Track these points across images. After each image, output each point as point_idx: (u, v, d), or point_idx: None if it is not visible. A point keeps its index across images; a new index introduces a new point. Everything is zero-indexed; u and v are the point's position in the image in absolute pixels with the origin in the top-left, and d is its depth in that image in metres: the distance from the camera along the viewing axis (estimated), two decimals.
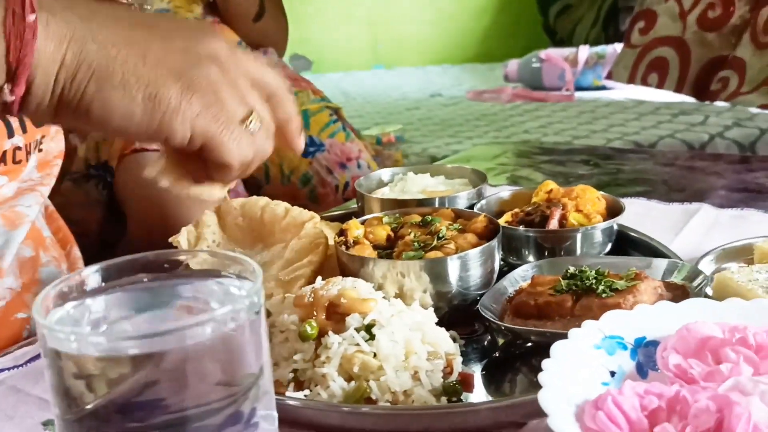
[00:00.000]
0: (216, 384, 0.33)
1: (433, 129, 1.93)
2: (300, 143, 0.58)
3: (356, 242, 0.65)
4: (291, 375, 0.51)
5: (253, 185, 1.35)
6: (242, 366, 0.34)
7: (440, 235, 0.64)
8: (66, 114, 0.46)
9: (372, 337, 0.51)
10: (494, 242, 0.64)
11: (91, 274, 0.35)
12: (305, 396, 0.49)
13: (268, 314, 0.57)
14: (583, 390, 0.41)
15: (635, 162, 1.23)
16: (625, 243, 0.76)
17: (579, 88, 2.38)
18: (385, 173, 0.88)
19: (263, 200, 0.78)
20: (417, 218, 0.69)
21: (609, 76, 2.23)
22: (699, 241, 0.81)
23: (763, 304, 0.49)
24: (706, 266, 0.68)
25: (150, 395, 0.31)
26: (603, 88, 2.41)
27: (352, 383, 0.50)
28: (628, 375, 0.45)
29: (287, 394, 0.50)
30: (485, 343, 0.62)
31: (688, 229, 0.86)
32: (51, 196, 0.87)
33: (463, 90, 2.63)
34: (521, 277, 0.66)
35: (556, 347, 0.44)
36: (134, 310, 0.35)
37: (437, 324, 0.58)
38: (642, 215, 0.91)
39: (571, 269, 0.63)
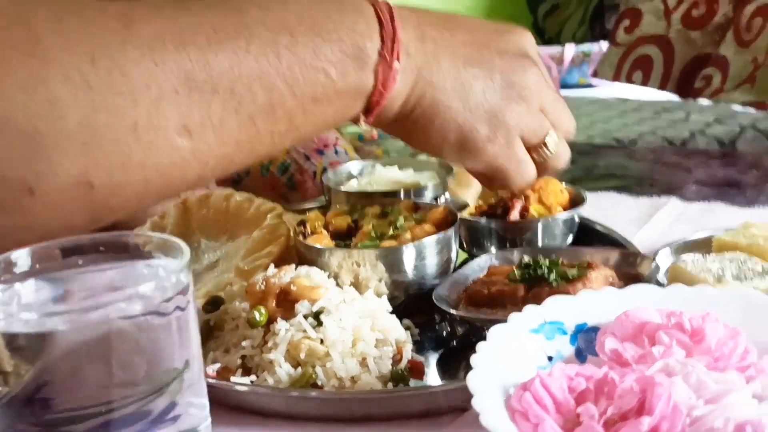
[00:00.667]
0: (130, 376, 0.34)
1: None
2: None
3: (314, 232, 0.65)
4: (239, 361, 0.52)
5: (229, 179, 1.35)
6: (163, 358, 0.34)
7: (397, 225, 0.65)
8: (394, 127, 0.54)
9: (320, 323, 0.52)
10: (450, 231, 0.64)
11: (22, 257, 0.35)
12: (251, 382, 0.50)
13: (222, 302, 0.58)
14: (517, 374, 0.41)
15: (611, 157, 1.24)
16: (587, 235, 0.77)
17: (565, 86, 2.39)
18: (353, 166, 0.88)
19: (227, 191, 0.78)
20: (377, 210, 0.70)
21: (595, 74, 2.23)
22: (662, 233, 0.82)
23: (704, 290, 0.49)
24: (665, 258, 0.68)
25: (46, 391, 0.31)
26: (589, 86, 2.42)
27: (299, 369, 0.51)
28: (566, 360, 0.46)
29: (233, 379, 0.50)
30: (443, 333, 0.62)
31: (653, 221, 0.87)
32: None
33: None
34: (479, 267, 0.66)
35: (493, 331, 0.44)
36: (59, 293, 0.35)
37: (393, 313, 0.59)
38: (609, 208, 0.92)
39: (526, 259, 0.63)
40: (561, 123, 0.61)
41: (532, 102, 0.56)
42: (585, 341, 0.47)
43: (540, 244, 0.73)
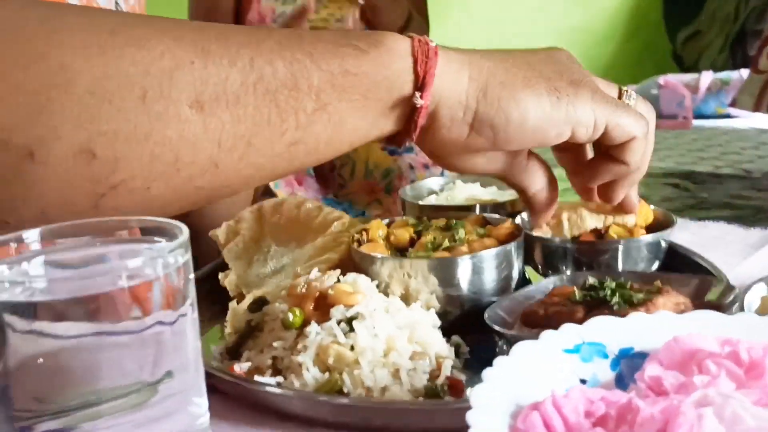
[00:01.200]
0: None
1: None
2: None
3: (372, 241, 0.64)
4: (270, 362, 0.51)
5: (334, 184, 1.37)
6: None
7: (456, 238, 0.62)
8: (484, 126, 0.51)
9: (351, 329, 0.50)
10: (511, 246, 0.60)
11: (32, 235, 0.36)
12: (276, 383, 0.49)
13: (267, 304, 0.57)
14: (537, 394, 0.38)
15: (733, 188, 1.14)
16: (677, 262, 0.70)
17: (700, 116, 2.24)
18: (434, 182, 0.86)
19: (299, 199, 0.78)
20: (442, 222, 0.67)
21: (733, 104, 2.09)
22: (766, 267, 0.74)
23: None
24: (758, 291, 0.61)
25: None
26: (727, 116, 2.26)
27: (327, 374, 0.49)
28: (603, 385, 0.41)
29: (258, 378, 0.49)
30: (495, 352, 0.58)
31: (760, 254, 0.78)
32: None
33: None
34: (544, 287, 0.62)
35: (519, 346, 0.41)
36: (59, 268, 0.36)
37: (442, 328, 0.56)
38: (715, 238, 0.84)
39: (591, 280, 0.58)
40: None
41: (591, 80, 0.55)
42: (628, 367, 0.42)
43: (620, 268, 0.67)
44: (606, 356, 0.42)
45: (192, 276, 0.37)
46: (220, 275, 0.72)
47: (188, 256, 0.35)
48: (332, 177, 1.40)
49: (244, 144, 0.42)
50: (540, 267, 0.70)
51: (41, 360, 0.33)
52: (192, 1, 1.46)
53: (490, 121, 0.51)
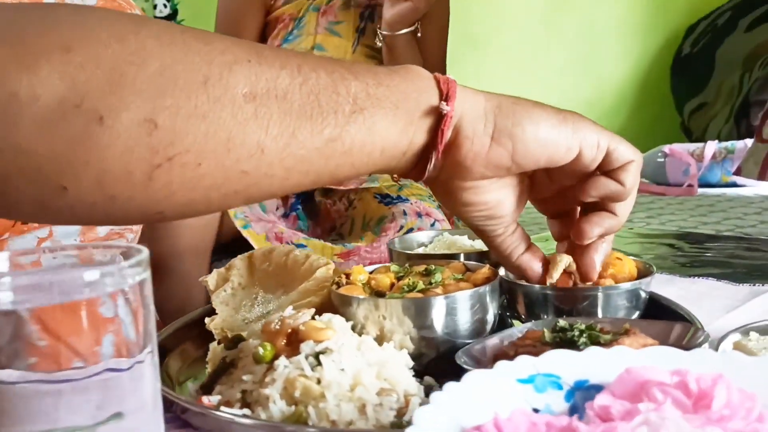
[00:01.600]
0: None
1: (536, 216, 1.90)
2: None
3: (351, 284, 0.65)
4: (239, 395, 0.52)
5: (338, 237, 1.39)
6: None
7: (432, 281, 0.63)
8: (503, 136, 0.56)
9: (319, 363, 0.51)
10: (485, 288, 0.62)
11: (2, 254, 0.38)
12: (242, 414, 0.49)
13: (243, 340, 0.58)
14: (484, 418, 0.38)
15: (728, 248, 1.14)
16: (657, 312, 0.70)
17: (706, 185, 2.26)
18: (423, 236, 0.88)
19: (289, 248, 0.80)
20: (422, 268, 0.68)
21: (738, 172, 2.10)
22: (750, 320, 0.73)
23: (736, 357, 0.44)
24: (733, 337, 0.61)
25: None
26: (733, 185, 2.27)
27: (294, 407, 0.50)
28: (555, 415, 0.41)
29: (225, 409, 0.50)
30: None
31: (746, 308, 0.78)
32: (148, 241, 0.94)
33: None
34: (518, 331, 0.62)
35: (471, 375, 0.41)
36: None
37: (420, 371, 0.57)
38: (702, 294, 0.85)
39: (561, 323, 0.59)
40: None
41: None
42: (583, 399, 0.43)
43: (600, 315, 0.68)
44: (560, 387, 0.43)
45: (152, 310, 0.39)
46: (206, 319, 0.73)
47: (146, 275, 0.37)
48: (331, 239, 1.41)
49: (289, 134, 0.47)
50: (523, 316, 0.71)
51: None
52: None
53: (508, 131, 0.55)
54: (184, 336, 0.72)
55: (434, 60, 1.47)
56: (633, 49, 3.70)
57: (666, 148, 2.38)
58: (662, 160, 2.37)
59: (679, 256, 1.07)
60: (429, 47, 1.45)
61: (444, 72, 1.53)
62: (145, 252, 0.37)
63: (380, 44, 1.42)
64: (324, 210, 1.45)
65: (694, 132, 3.04)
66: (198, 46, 0.44)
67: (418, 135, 0.53)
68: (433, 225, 1.31)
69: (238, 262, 0.80)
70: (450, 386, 0.40)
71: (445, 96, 0.54)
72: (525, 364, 0.43)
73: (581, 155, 0.58)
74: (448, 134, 0.54)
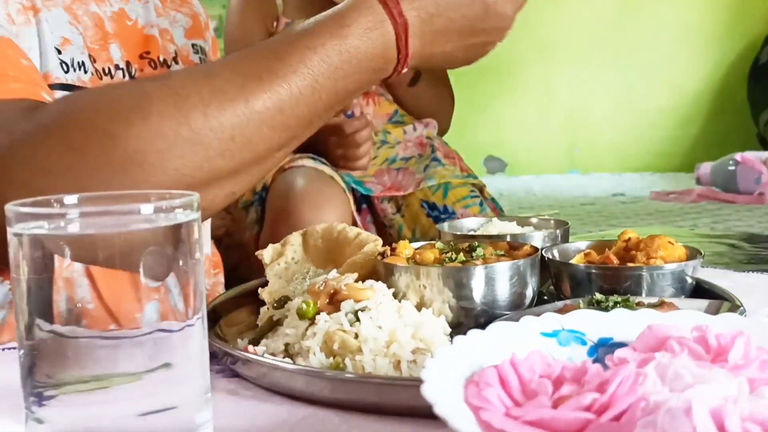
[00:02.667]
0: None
1: (596, 219, 1.89)
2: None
3: (394, 256, 0.68)
4: (282, 347, 0.55)
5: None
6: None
7: (474, 255, 0.65)
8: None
9: (357, 319, 0.53)
10: (524, 261, 0.63)
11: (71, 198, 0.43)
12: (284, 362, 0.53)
13: (289, 300, 0.62)
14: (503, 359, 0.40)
15: None
16: (702, 296, 0.70)
17: None
18: (471, 222, 0.89)
19: (342, 225, 0.83)
20: (466, 245, 0.70)
21: None
22: None
23: (762, 321, 0.44)
24: None
25: None
26: None
27: (332, 359, 0.52)
28: None
29: (267, 357, 0.53)
30: None
31: None
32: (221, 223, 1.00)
33: (649, 191, 2.53)
34: (555, 306, 0.64)
35: (496, 325, 0.43)
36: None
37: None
38: (753, 285, 0.83)
39: (598, 296, 0.60)
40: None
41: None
42: (606, 355, 0.44)
43: (643, 295, 0.68)
44: (584, 343, 0.44)
45: (201, 271, 0.42)
46: (259, 289, 0.77)
47: (196, 216, 0.41)
48: (386, 235, 1.45)
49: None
50: (566, 296, 0.72)
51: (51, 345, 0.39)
52: None
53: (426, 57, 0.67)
54: (239, 304, 0.76)
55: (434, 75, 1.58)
56: (708, 57, 3.61)
57: (738, 155, 2.32)
58: (733, 168, 2.31)
59: (737, 254, 1.06)
60: None
61: (447, 77, 1.58)
62: (195, 198, 0.41)
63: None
64: (377, 208, 1.48)
65: None
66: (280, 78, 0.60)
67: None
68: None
69: (293, 238, 0.84)
70: (474, 332, 0.42)
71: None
72: (551, 319, 0.45)
73: None
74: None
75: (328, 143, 1.36)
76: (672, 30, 3.59)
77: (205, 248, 0.96)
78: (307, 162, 1.35)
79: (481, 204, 1.44)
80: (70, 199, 0.42)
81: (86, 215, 0.39)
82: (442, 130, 1.64)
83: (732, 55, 3.56)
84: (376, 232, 1.47)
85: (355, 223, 1.35)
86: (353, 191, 1.46)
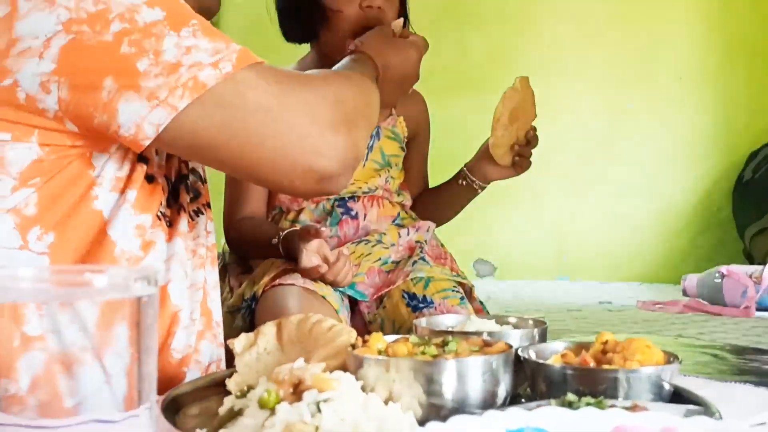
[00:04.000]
0: None
1: (582, 325, 1.87)
2: None
3: (366, 348, 0.66)
4: None
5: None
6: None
7: (447, 350, 0.64)
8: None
9: (319, 411, 0.51)
10: (499, 357, 0.62)
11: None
12: None
13: (252, 389, 0.60)
14: None
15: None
16: (679, 402, 0.68)
17: (765, 309, 2.18)
18: (449, 318, 0.88)
19: (317, 317, 0.82)
20: (439, 340, 0.69)
21: None
22: None
23: (734, 425, 0.43)
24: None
25: None
26: None
27: None
28: None
29: None
30: None
31: None
32: None
33: (635, 300, 2.53)
34: (528, 408, 0.62)
35: (458, 418, 0.42)
36: None
37: None
38: (734, 395, 0.81)
39: (570, 397, 0.58)
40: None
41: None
42: None
43: (620, 399, 0.66)
44: None
45: (153, 357, 0.40)
46: (227, 380, 0.75)
47: (152, 291, 0.40)
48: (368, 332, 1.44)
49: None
50: (542, 397, 0.70)
51: None
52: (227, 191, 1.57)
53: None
54: (205, 394, 0.74)
55: (419, 178, 1.69)
56: (694, 173, 3.69)
57: (723, 268, 2.33)
58: (719, 280, 2.32)
59: (721, 365, 1.04)
60: (414, 165, 1.67)
61: (426, 185, 1.67)
62: (152, 269, 0.40)
63: (463, 183, 1.60)
64: (358, 307, 1.47)
65: (756, 257, 2.97)
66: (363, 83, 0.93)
67: None
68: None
69: (267, 328, 0.82)
70: (434, 425, 0.40)
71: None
72: (516, 414, 0.43)
73: None
74: None
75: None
76: (658, 147, 3.69)
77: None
78: (298, 281, 1.34)
79: (462, 299, 1.43)
80: (25, 271, 0.41)
81: (40, 280, 0.38)
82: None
83: (717, 171, 3.64)
84: (360, 330, 1.46)
85: None
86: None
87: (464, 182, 1.59)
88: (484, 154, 1.55)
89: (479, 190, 1.60)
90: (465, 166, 1.60)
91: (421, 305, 1.41)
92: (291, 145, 0.78)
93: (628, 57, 3.68)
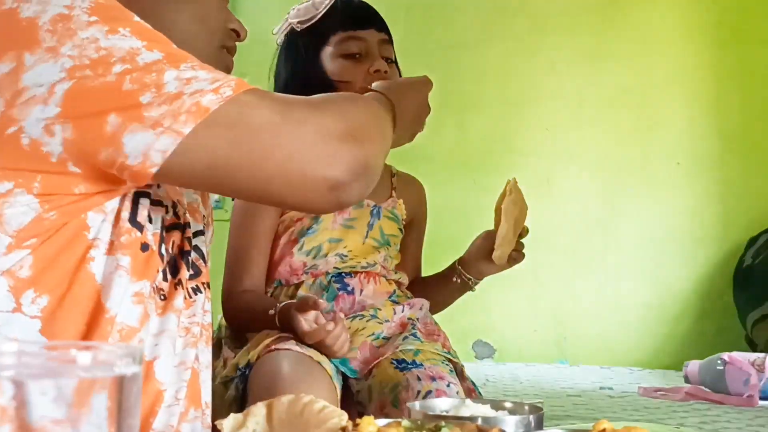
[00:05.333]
0: None
1: (582, 411, 1.83)
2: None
3: (356, 430, 0.64)
4: None
5: (355, 412, 1.37)
6: None
7: None
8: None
9: None
10: None
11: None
12: None
13: None
14: None
15: None
16: None
17: (767, 398, 2.14)
18: (443, 402, 0.86)
19: (308, 398, 0.80)
20: (433, 427, 0.67)
21: None
22: None
23: None
24: None
25: None
26: None
27: None
28: None
29: None
30: None
31: None
32: None
33: (637, 386, 2.48)
34: None
35: None
36: None
37: None
38: None
39: None
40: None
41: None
42: None
43: None
44: None
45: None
46: None
47: (135, 370, 0.39)
48: (353, 406, 1.41)
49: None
50: None
51: None
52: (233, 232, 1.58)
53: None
54: None
55: (414, 262, 1.70)
56: (693, 258, 3.69)
57: (725, 355, 2.29)
58: (722, 368, 2.28)
59: None
60: (410, 250, 1.68)
61: (419, 271, 1.68)
62: (138, 347, 0.39)
63: (458, 281, 1.61)
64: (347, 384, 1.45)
65: (758, 344, 2.93)
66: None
67: None
68: (448, 386, 1.31)
69: (257, 409, 0.80)
70: None
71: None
72: None
73: None
74: None
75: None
76: (656, 231, 3.70)
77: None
78: (294, 347, 1.33)
79: (451, 371, 1.40)
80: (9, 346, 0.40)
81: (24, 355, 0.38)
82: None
83: (717, 256, 3.64)
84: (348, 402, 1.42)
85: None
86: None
87: (459, 280, 1.60)
88: (480, 253, 1.56)
89: (474, 288, 1.61)
90: (458, 263, 1.61)
91: (410, 366, 1.39)
92: (299, 154, 0.78)
93: (626, 140, 3.74)
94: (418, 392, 1.30)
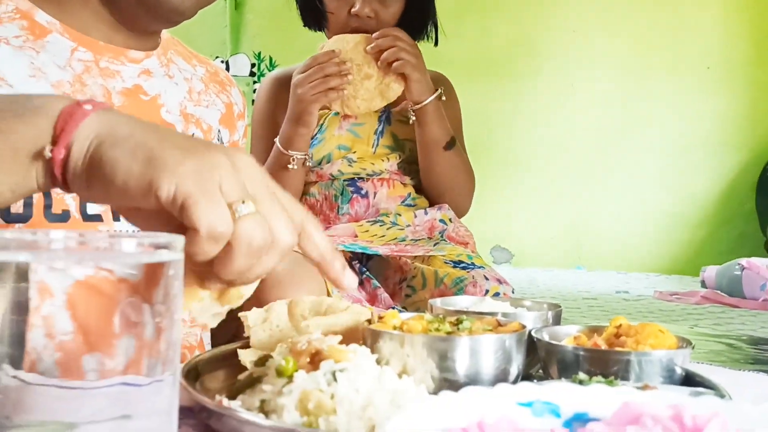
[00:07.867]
0: None
1: (597, 313, 1.87)
2: (345, 279, 0.60)
3: (381, 322, 0.67)
4: (258, 403, 0.54)
5: (401, 295, 1.42)
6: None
7: (461, 327, 0.65)
8: (92, 179, 0.53)
9: (335, 380, 0.53)
10: (512, 336, 0.62)
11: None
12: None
13: (270, 358, 0.61)
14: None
15: None
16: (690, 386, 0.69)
17: None
18: (464, 300, 0.89)
19: (331, 299, 0.83)
20: (454, 319, 0.70)
21: None
22: None
23: (743, 406, 0.43)
24: None
25: None
26: None
27: (306, 418, 0.51)
28: None
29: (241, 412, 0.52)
30: None
31: None
32: None
33: (653, 290, 2.52)
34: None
35: (470, 389, 0.43)
36: None
37: None
38: (747, 384, 0.82)
39: (581, 375, 0.59)
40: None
41: (238, 165, 0.53)
42: (579, 429, 0.43)
43: (631, 381, 0.67)
44: (558, 415, 0.44)
45: (177, 322, 0.42)
46: (239, 351, 0.76)
47: (175, 256, 0.41)
48: (400, 289, 1.46)
49: None
50: (554, 378, 0.71)
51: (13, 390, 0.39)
52: None
53: (94, 172, 0.52)
54: (223, 362, 0.75)
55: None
56: (718, 165, 3.66)
57: (744, 261, 2.31)
58: (739, 273, 2.30)
59: (735, 354, 1.04)
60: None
61: (462, 145, 1.62)
62: (179, 242, 0.41)
63: (413, 119, 1.57)
64: (394, 262, 1.49)
65: None
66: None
67: (39, 178, 0.54)
68: (513, 292, 1.37)
69: (278, 306, 0.83)
70: (446, 393, 0.41)
71: (55, 137, 0.52)
72: (527, 388, 0.44)
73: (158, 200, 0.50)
74: (58, 172, 0.53)
75: None
76: (680, 138, 3.66)
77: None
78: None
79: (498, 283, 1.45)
80: (56, 233, 0.42)
81: (69, 249, 0.40)
82: (463, 210, 1.65)
83: (742, 164, 3.60)
84: (388, 286, 1.48)
85: None
86: (353, 265, 1.46)
87: (413, 118, 1.57)
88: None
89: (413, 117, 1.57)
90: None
91: (470, 266, 1.44)
92: None
93: (654, 44, 3.64)
94: (487, 291, 1.35)
